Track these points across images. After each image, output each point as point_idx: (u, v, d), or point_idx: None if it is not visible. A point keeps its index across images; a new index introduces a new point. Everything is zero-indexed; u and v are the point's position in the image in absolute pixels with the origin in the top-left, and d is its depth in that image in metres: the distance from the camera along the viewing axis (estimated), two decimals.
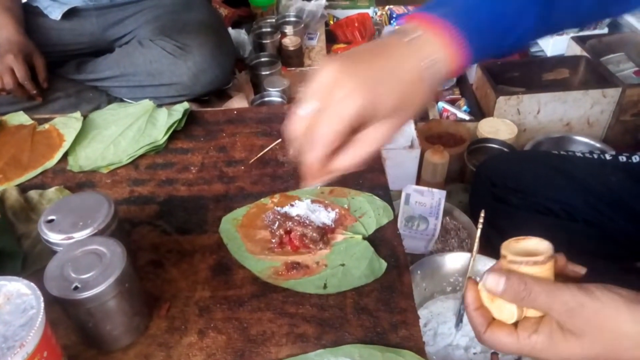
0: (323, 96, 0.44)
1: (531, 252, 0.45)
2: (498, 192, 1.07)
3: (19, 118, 0.86)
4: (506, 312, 0.44)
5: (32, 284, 0.43)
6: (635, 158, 0.95)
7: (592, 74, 1.72)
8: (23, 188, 0.72)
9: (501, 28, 0.49)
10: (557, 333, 0.41)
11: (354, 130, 0.44)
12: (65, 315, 0.50)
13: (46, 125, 0.84)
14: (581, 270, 0.45)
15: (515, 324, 0.44)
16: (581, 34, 1.91)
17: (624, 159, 0.95)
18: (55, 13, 1.37)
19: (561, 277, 0.45)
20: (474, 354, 0.93)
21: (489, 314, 0.45)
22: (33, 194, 0.71)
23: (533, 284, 0.41)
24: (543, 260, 0.43)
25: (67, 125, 0.83)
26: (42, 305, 0.42)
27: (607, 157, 0.96)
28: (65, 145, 0.79)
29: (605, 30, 1.94)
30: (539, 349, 0.42)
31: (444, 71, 0.47)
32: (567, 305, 0.40)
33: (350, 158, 0.46)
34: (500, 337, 0.43)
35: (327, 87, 0.44)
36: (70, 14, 1.38)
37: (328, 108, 0.43)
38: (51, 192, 0.71)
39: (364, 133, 0.45)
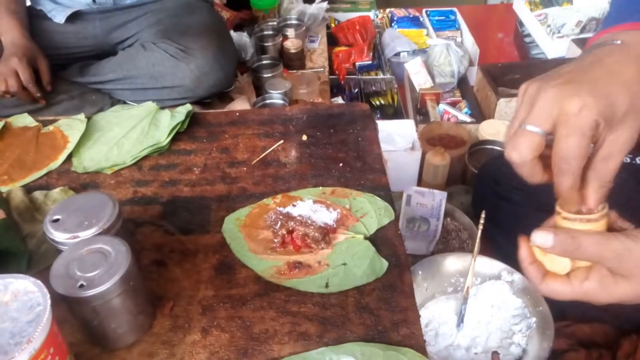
0: (553, 115, 0.42)
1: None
2: (502, 191, 1.08)
3: (24, 120, 0.86)
4: (558, 264, 0.46)
5: (38, 281, 0.44)
6: (639, 159, 0.95)
7: None
8: (28, 189, 0.73)
9: None
10: (607, 278, 0.44)
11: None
12: (71, 313, 0.51)
13: (50, 127, 0.84)
14: (630, 227, 0.47)
15: (568, 274, 0.46)
16: (582, 36, 1.91)
17: (628, 159, 0.96)
18: (59, 16, 1.38)
19: (610, 231, 0.47)
20: (475, 354, 0.94)
21: (542, 267, 0.47)
22: (38, 194, 0.72)
23: (581, 237, 0.43)
24: (597, 218, 0.45)
25: (71, 127, 0.84)
26: (49, 302, 0.43)
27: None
28: (70, 147, 0.80)
29: None
30: (592, 294, 0.45)
31: None
32: (616, 252, 0.43)
33: (604, 173, 0.44)
34: (556, 287, 0.46)
35: (554, 104, 0.42)
36: (74, 17, 1.39)
37: (565, 125, 0.42)
38: (56, 192, 0.72)
39: (608, 144, 0.44)
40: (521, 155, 0.44)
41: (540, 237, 0.45)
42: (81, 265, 0.49)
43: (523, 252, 0.48)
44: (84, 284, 0.48)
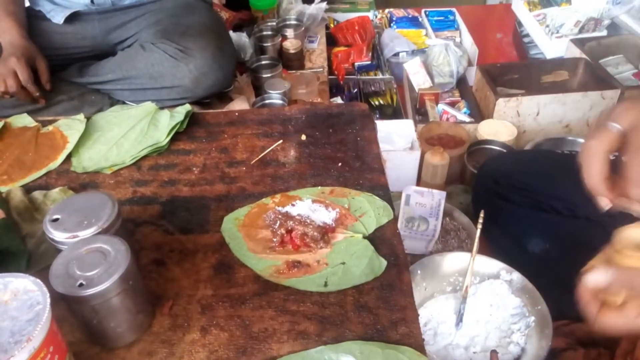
0: (623, 114, 0.49)
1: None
2: (501, 190, 1.08)
3: (23, 120, 0.87)
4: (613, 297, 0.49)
5: (38, 280, 0.44)
6: None
7: (591, 76, 1.73)
8: (27, 189, 0.73)
9: None
10: None
11: None
12: (70, 312, 0.51)
13: (50, 127, 0.85)
14: None
15: (621, 306, 0.49)
16: (580, 36, 1.92)
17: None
18: (57, 17, 1.38)
19: None
20: (474, 352, 0.94)
21: (598, 303, 0.50)
22: (37, 194, 0.72)
23: (636, 275, 0.46)
24: None
25: (71, 127, 0.84)
26: (49, 301, 0.43)
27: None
28: (69, 147, 0.80)
29: (604, 33, 1.95)
30: None
31: None
32: None
33: None
34: (612, 320, 0.49)
35: (628, 109, 0.49)
36: (73, 18, 1.39)
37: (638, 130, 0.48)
38: (55, 192, 0.72)
39: None
40: (592, 144, 0.51)
41: (596, 278, 0.48)
42: (80, 264, 0.49)
43: (582, 288, 0.50)
44: (84, 283, 0.48)
